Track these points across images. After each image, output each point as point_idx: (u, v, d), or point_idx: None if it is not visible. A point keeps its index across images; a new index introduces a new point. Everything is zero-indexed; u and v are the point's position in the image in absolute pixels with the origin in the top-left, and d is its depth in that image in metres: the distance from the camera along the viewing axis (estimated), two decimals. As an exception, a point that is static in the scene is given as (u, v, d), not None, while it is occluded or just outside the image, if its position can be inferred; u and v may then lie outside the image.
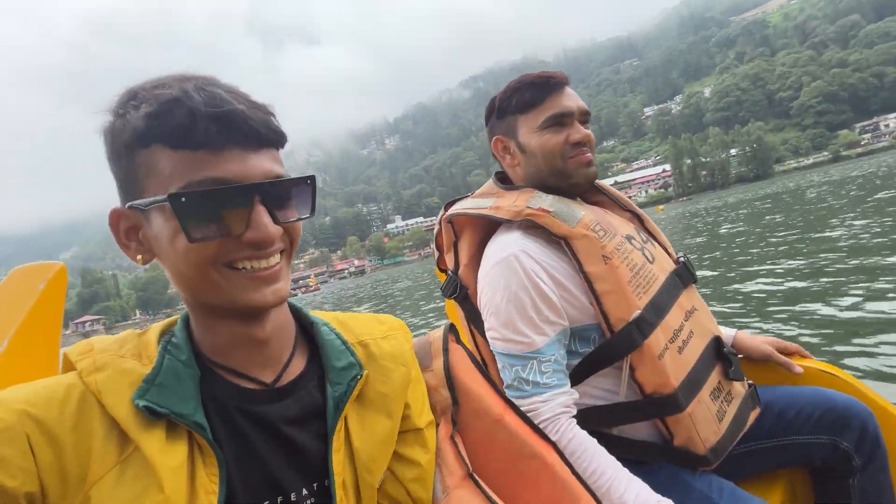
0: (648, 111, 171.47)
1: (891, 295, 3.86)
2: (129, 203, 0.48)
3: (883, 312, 3.51)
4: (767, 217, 13.76)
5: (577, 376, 0.89)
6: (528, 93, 0.97)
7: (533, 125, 0.97)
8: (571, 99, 0.98)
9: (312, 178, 0.53)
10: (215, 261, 0.47)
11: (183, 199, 0.44)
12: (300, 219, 0.52)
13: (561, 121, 0.96)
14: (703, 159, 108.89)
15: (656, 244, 1.01)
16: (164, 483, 0.43)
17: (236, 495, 0.47)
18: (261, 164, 0.48)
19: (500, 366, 0.89)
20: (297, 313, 0.61)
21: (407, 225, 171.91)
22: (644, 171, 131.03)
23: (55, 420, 0.43)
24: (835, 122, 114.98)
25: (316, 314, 0.62)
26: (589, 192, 1.05)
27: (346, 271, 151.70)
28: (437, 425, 0.62)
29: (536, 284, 0.87)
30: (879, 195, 12.28)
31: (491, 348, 0.92)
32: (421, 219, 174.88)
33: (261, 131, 0.48)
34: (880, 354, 2.80)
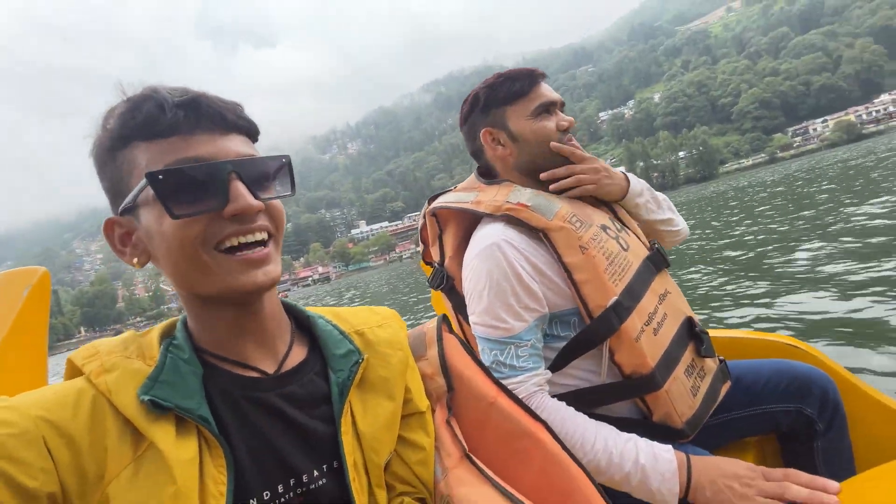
0: (604, 115, 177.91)
1: (842, 273, 4.30)
2: (120, 206, 0.50)
3: (840, 287, 3.92)
4: (725, 212, 14.72)
5: (559, 361, 0.93)
6: (517, 83, 1.02)
7: (524, 114, 1.01)
8: (551, 91, 1.04)
9: (287, 157, 0.55)
10: (204, 242, 0.49)
11: (160, 177, 0.46)
12: (280, 196, 0.54)
13: (548, 109, 1.02)
14: (655, 162, 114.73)
15: (630, 232, 1.05)
16: (176, 476, 0.44)
17: (249, 481, 0.49)
18: (232, 146, 0.50)
19: (479, 349, 0.94)
20: (292, 309, 0.63)
21: (371, 230, 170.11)
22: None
23: (70, 422, 0.44)
24: (770, 126, 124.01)
25: (310, 309, 0.64)
26: None
27: (310, 279, 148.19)
28: (434, 412, 0.64)
29: (517, 272, 0.90)
30: (817, 188, 13.51)
31: (472, 332, 0.96)
32: (385, 223, 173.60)
33: (227, 116, 0.50)
34: (839, 326, 3.11)
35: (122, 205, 0.50)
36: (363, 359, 0.58)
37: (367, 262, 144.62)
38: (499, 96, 1.03)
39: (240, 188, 0.49)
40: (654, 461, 0.77)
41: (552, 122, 1.02)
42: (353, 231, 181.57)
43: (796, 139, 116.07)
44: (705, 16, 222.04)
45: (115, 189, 0.51)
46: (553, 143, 1.01)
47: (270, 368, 0.56)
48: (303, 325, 0.63)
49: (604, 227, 0.98)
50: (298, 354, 0.59)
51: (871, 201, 8.34)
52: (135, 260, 0.52)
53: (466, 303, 0.99)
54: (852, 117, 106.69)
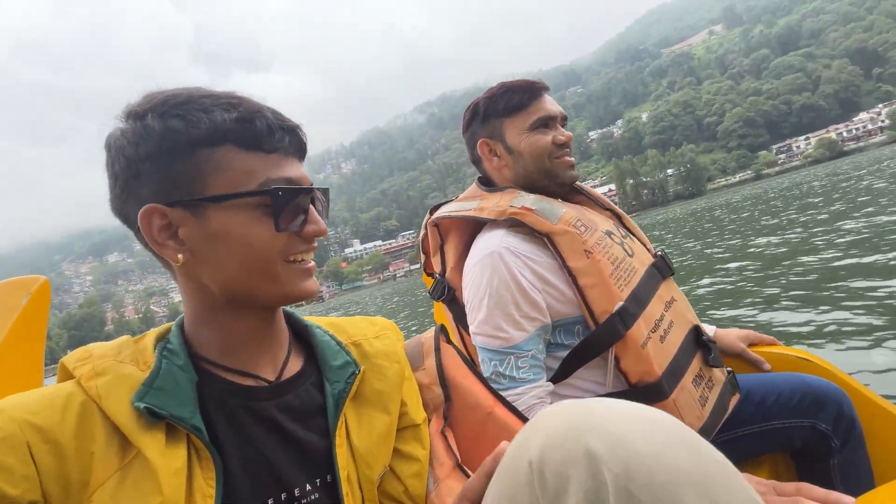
0: (593, 135, 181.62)
1: (858, 285, 4.12)
2: (182, 198, 0.49)
3: (854, 300, 3.76)
4: (713, 224, 14.98)
5: (564, 370, 0.91)
6: (516, 96, 1.02)
7: (521, 127, 1.02)
8: (553, 104, 1.04)
9: (328, 188, 0.60)
10: (281, 254, 0.52)
11: (280, 192, 0.50)
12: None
13: (547, 123, 1.02)
14: (644, 179, 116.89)
15: (635, 239, 1.05)
16: (163, 486, 0.43)
17: (239, 494, 0.48)
18: (306, 173, 0.56)
19: (479, 359, 0.92)
20: (290, 318, 0.63)
21: (365, 249, 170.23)
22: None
23: (56, 427, 0.43)
24: (754, 144, 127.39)
25: (307, 319, 0.64)
26: (569, 193, 1.09)
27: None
28: (429, 421, 0.64)
29: (518, 281, 0.89)
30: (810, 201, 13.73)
31: (472, 342, 0.95)
32: (379, 242, 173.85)
33: (304, 146, 0.56)
34: (850, 339, 3.00)
35: (189, 196, 0.49)
36: (359, 371, 0.58)
37: (360, 280, 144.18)
38: (498, 107, 1.04)
39: (315, 213, 0.54)
40: None
41: (549, 137, 1.02)
42: (347, 250, 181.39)
43: (781, 156, 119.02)
44: (688, 39, 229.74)
45: (179, 180, 0.49)
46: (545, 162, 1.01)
47: (271, 376, 0.56)
48: (300, 335, 0.63)
49: (608, 233, 0.98)
50: (295, 364, 0.59)
51: (865, 210, 8.45)
52: (179, 255, 0.51)
53: (466, 312, 0.98)
54: (833, 135, 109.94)
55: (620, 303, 0.88)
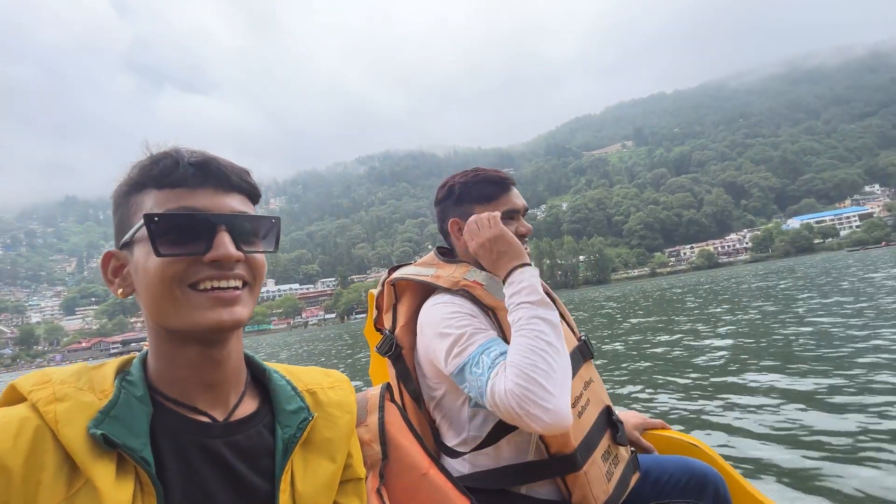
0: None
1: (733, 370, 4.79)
2: (121, 242, 0.55)
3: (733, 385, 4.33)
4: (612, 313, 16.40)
5: (491, 438, 0.99)
6: (489, 188, 1.13)
7: None
8: (518, 198, 1.14)
9: (278, 218, 0.59)
10: (181, 280, 0.52)
11: (156, 219, 0.51)
12: (263, 251, 0.58)
13: (512, 216, 1.12)
14: (559, 261, 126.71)
15: (563, 323, 1.13)
16: None
17: None
18: (229, 203, 0.55)
19: (464, 379, 0.95)
20: (250, 361, 0.64)
21: (279, 290, 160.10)
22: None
23: (7, 452, 0.43)
24: (651, 245, 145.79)
25: (267, 364, 0.65)
26: None
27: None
28: (367, 478, 0.65)
29: (467, 313, 1.01)
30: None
31: (447, 373, 0.99)
32: (296, 286, 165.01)
33: (231, 178, 0.56)
34: (729, 423, 3.41)
35: (122, 240, 0.55)
36: (312, 417, 0.59)
37: (267, 323, 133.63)
38: (472, 194, 1.13)
39: (224, 239, 0.53)
40: (533, 290, 0.95)
41: (512, 228, 1.10)
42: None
43: (671, 259, 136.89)
44: (605, 147, 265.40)
45: (120, 227, 0.56)
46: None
47: (220, 415, 0.56)
48: (257, 378, 0.64)
49: None
50: (249, 405, 0.59)
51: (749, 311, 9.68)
52: (119, 290, 0.56)
53: (427, 352, 1.04)
54: (711, 248, 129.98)
55: None
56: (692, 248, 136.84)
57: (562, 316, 1.15)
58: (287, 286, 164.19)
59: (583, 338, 1.16)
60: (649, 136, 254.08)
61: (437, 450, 1.07)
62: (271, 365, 0.65)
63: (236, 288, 0.54)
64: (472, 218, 1.05)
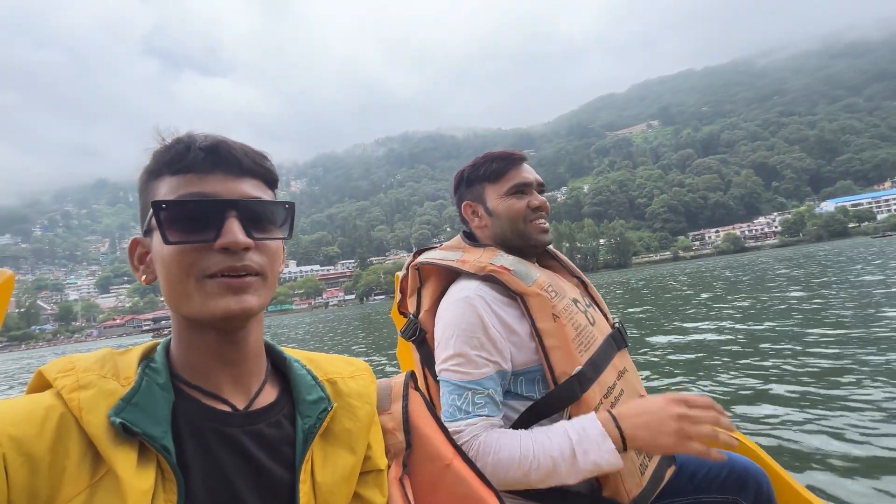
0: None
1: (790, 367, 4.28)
2: (143, 228, 0.55)
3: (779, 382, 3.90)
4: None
5: (521, 423, 0.97)
6: (495, 164, 1.12)
7: (499, 192, 1.11)
8: (530, 172, 1.14)
9: (292, 204, 0.58)
10: (193, 269, 0.51)
11: (163, 206, 0.51)
12: (275, 238, 0.56)
13: (522, 189, 1.11)
14: (579, 244, 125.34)
15: (597, 309, 1.13)
16: None
17: None
18: (241, 188, 0.54)
19: (440, 392, 0.96)
20: (271, 349, 0.64)
21: (301, 271, 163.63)
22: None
23: (34, 440, 0.43)
24: (675, 228, 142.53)
25: (287, 352, 0.65)
26: (542, 256, 1.19)
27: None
28: (389, 467, 0.64)
29: (485, 325, 0.95)
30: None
31: (437, 377, 0.99)
32: (317, 267, 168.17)
33: (242, 161, 0.55)
34: (772, 418, 3.19)
35: (144, 227, 0.55)
36: (332, 407, 0.59)
37: (289, 304, 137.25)
38: (480, 174, 1.14)
39: (233, 225, 0.52)
40: (584, 434, 0.84)
41: (524, 202, 1.09)
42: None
43: (695, 243, 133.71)
44: (630, 127, 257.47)
45: (142, 214, 0.55)
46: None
47: (240, 403, 0.56)
48: (278, 366, 0.63)
49: (575, 301, 1.05)
50: (270, 394, 0.59)
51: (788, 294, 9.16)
52: (143, 277, 0.56)
53: (435, 350, 1.02)
54: (737, 232, 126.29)
55: (579, 367, 0.94)
56: (717, 231, 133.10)
57: (594, 301, 1.15)
58: (308, 267, 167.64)
59: (616, 325, 1.13)
60: (676, 114, 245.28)
61: None
62: (293, 352, 0.65)
63: (247, 275, 0.53)
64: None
